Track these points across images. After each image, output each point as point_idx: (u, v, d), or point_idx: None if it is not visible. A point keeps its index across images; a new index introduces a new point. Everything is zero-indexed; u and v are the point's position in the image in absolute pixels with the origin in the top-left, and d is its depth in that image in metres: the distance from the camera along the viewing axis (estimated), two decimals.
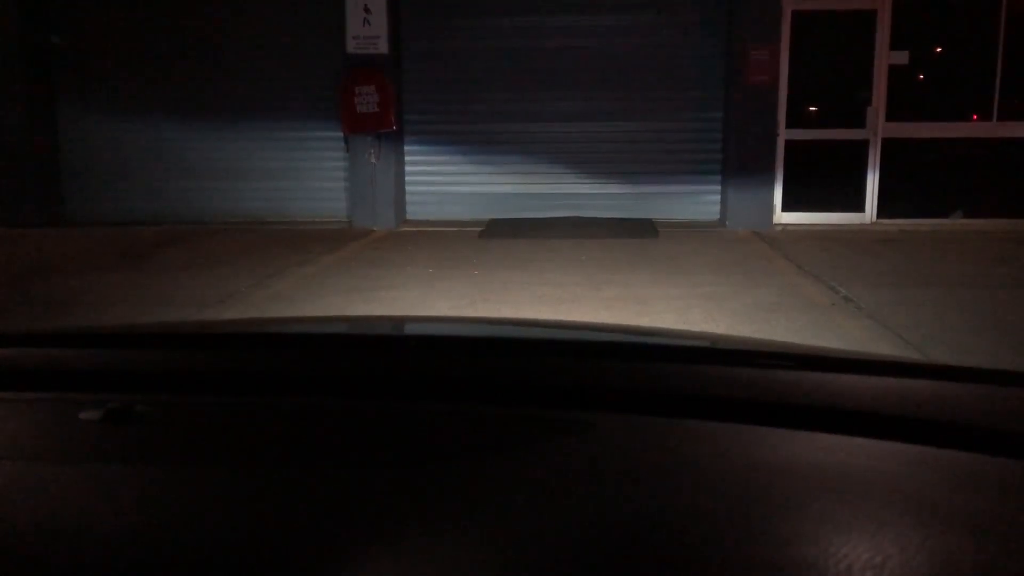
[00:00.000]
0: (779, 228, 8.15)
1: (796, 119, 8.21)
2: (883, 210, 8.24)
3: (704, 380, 0.89)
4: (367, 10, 8.11)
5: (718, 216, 8.55)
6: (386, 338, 1.28)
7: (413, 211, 8.86)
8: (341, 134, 8.49)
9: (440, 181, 8.83)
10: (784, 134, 8.19)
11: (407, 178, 8.85)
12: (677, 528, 0.57)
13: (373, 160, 8.43)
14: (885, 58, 8.07)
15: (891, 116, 8.14)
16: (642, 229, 8.02)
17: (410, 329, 1.58)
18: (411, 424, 0.80)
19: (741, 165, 8.16)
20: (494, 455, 0.71)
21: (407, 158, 8.81)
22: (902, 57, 8.06)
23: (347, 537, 0.56)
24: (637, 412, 0.80)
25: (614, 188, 8.73)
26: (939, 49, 8.26)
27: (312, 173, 8.85)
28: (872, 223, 8.24)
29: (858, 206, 8.30)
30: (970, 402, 0.80)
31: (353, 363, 0.99)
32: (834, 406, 0.79)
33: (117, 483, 0.66)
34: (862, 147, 8.20)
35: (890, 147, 8.17)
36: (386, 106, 8.22)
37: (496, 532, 0.57)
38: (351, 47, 8.22)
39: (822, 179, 8.34)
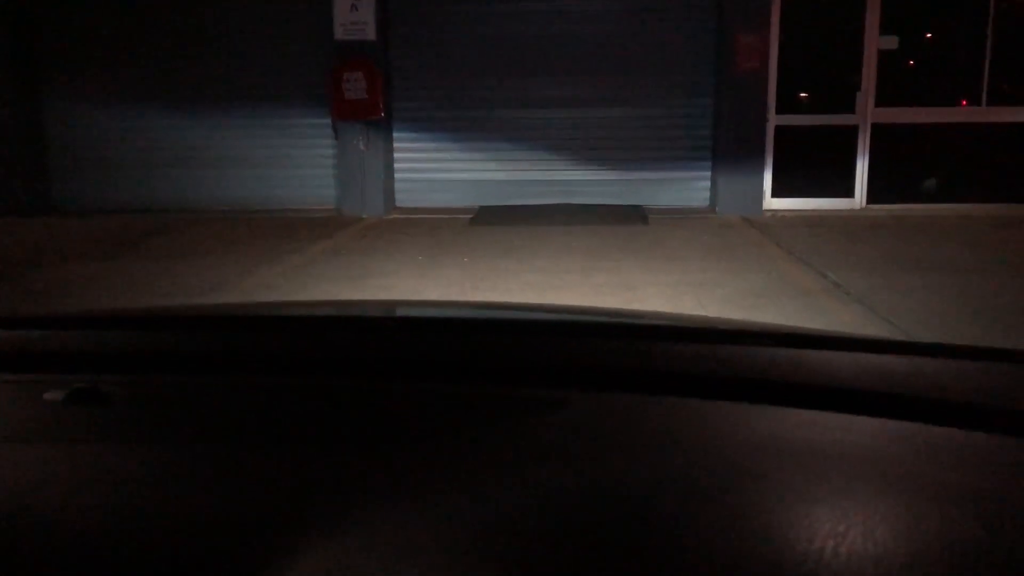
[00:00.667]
0: (769, 214, 8.15)
1: (786, 105, 8.20)
2: (873, 195, 8.26)
3: (679, 358, 0.89)
4: None
5: (708, 202, 8.55)
6: (359, 319, 1.28)
7: (402, 199, 8.83)
8: (330, 121, 8.44)
9: (429, 168, 8.79)
10: (774, 120, 8.19)
11: (396, 165, 8.81)
12: (647, 499, 0.57)
13: (362, 147, 8.39)
14: (875, 43, 8.06)
15: (881, 101, 8.14)
16: (632, 216, 8.01)
17: (384, 311, 1.58)
18: (383, 403, 0.79)
19: (731, 151, 8.15)
20: (466, 433, 0.71)
21: (396, 145, 8.77)
22: (892, 42, 8.05)
23: (316, 514, 0.56)
24: (612, 390, 0.79)
25: (604, 175, 8.71)
26: (929, 34, 8.26)
27: (301, 161, 8.80)
28: (862, 208, 8.25)
29: (848, 192, 8.31)
30: (946, 378, 0.80)
31: (324, 343, 0.99)
32: (811, 382, 0.79)
33: (81, 462, 0.66)
34: (852, 132, 8.20)
35: (880, 132, 8.17)
36: (374, 93, 8.17)
37: (465, 506, 0.57)
38: (339, 34, 8.17)
39: (812, 165, 8.35)
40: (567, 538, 0.52)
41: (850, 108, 8.16)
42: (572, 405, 0.76)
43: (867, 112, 8.14)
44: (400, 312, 1.53)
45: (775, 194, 8.33)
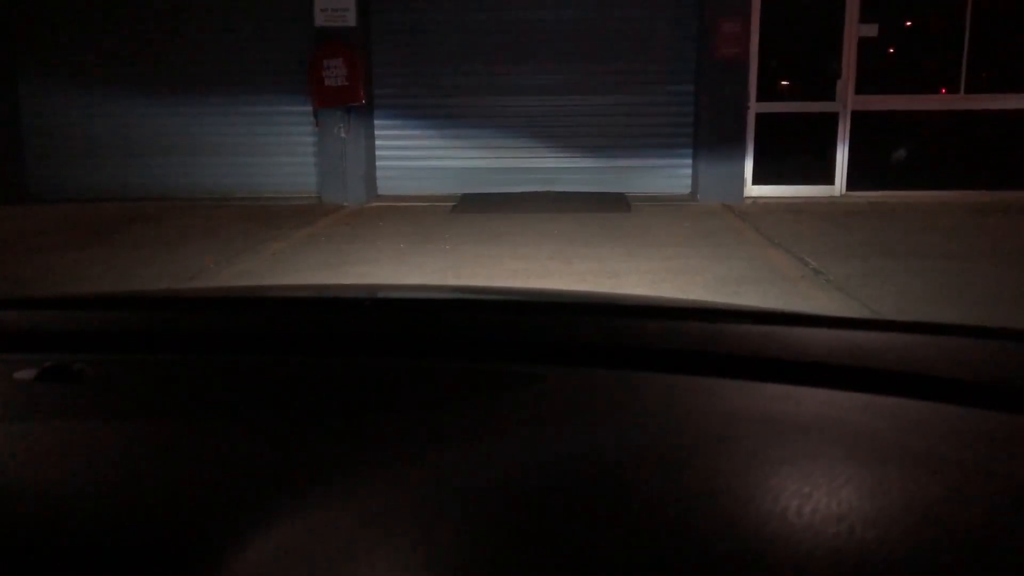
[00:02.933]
0: (750, 201, 8.19)
1: (767, 92, 8.23)
2: (852, 182, 8.31)
3: (653, 334, 0.89)
4: None
5: (690, 190, 8.57)
6: (334, 299, 1.28)
7: (384, 186, 8.79)
8: (310, 108, 8.38)
9: (411, 156, 8.76)
10: (755, 107, 8.21)
11: (378, 153, 8.77)
12: (618, 465, 0.58)
13: (343, 135, 8.34)
14: (855, 31, 8.09)
15: (860, 89, 8.18)
16: (615, 203, 8.02)
17: (359, 292, 1.58)
18: (355, 378, 0.80)
19: (712, 138, 8.17)
20: (439, 407, 0.71)
21: (377, 132, 8.72)
22: (872, 30, 8.08)
23: (287, 487, 0.56)
24: (587, 366, 0.80)
25: (587, 162, 8.71)
26: (908, 22, 8.29)
27: (281, 148, 8.73)
28: (842, 195, 8.30)
29: (828, 179, 8.35)
30: (916, 352, 0.81)
31: (297, 321, 0.99)
32: (783, 357, 0.80)
33: (52, 440, 0.66)
34: (832, 120, 8.24)
35: (859, 119, 8.22)
36: (355, 79, 8.12)
37: (438, 476, 0.57)
38: (319, 20, 8.10)
39: (792, 152, 8.39)
40: (539, 505, 0.53)
41: (830, 95, 8.19)
42: (547, 380, 0.76)
43: (847, 99, 8.18)
44: (375, 293, 1.53)
45: (756, 181, 8.36)
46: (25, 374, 0.76)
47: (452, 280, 4.98)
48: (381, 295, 1.43)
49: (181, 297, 1.26)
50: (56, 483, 0.58)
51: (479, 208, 7.81)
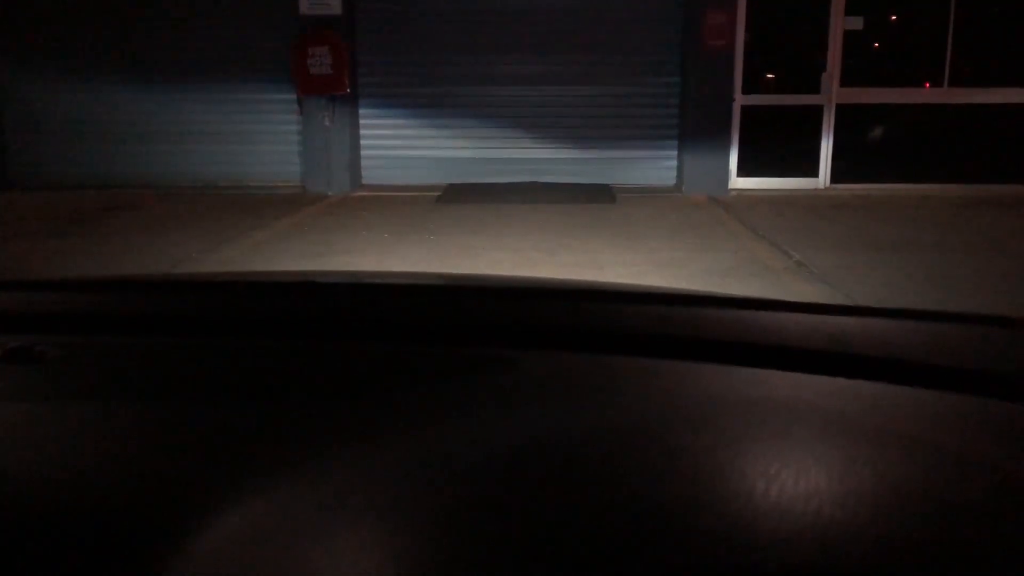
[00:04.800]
0: (735, 193, 8.20)
1: (752, 84, 8.24)
2: (837, 175, 8.34)
3: (629, 318, 0.89)
4: None
5: (675, 181, 8.58)
6: (310, 283, 1.27)
7: (369, 176, 8.75)
8: (294, 97, 8.32)
9: (396, 145, 8.71)
10: (740, 99, 8.22)
11: (362, 142, 8.72)
12: (591, 445, 0.58)
13: (327, 123, 8.29)
14: (840, 23, 8.11)
15: (845, 82, 8.21)
16: (600, 194, 8.01)
17: (337, 277, 1.58)
18: (324, 362, 0.79)
19: (698, 131, 8.17)
20: (414, 389, 0.71)
21: (362, 121, 8.67)
22: (857, 23, 8.11)
23: (253, 469, 0.55)
24: (562, 349, 0.79)
25: (572, 153, 8.69)
26: (893, 16, 8.32)
27: (265, 136, 8.67)
28: (826, 188, 8.34)
29: (812, 171, 8.38)
30: (892, 337, 0.81)
31: (270, 305, 0.98)
32: (759, 342, 0.79)
33: (12, 421, 0.65)
34: (817, 112, 8.26)
35: (844, 112, 8.25)
36: (340, 68, 8.06)
37: (414, 457, 0.57)
38: (304, 8, 8.05)
39: (777, 144, 8.40)
40: (509, 486, 0.53)
41: (815, 88, 8.21)
42: (522, 364, 0.76)
43: (832, 92, 8.20)
44: (346, 279, 1.52)
45: (741, 173, 8.38)
46: None
47: (437, 269, 4.96)
48: (351, 280, 1.42)
49: (147, 281, 1.24)
50: (16, 464, 0.57)
51: (464, 198, 7.78)
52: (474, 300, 1.01)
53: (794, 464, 0.53)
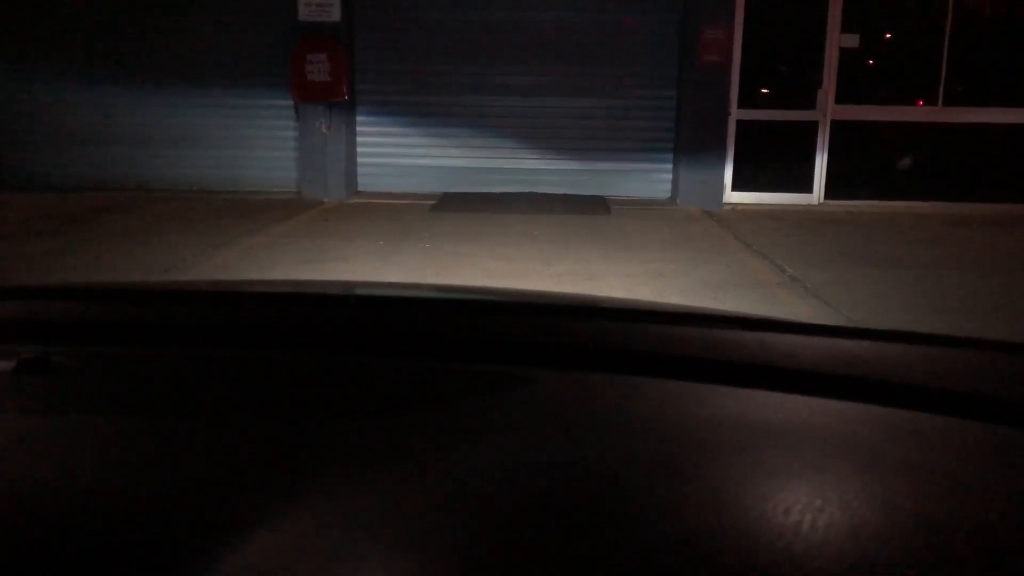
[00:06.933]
0: (729, 207, 8.23)
1: (748, 99, 8.27)
2: (831, 191, 8.37)
3: (645, 338, 0.89)
4: None
5: (669, 194, 8.60)
6: (323, 296, 1.26)
7: (364, 183, 8.75)
8: (292, 103, 8.33)
9: (392, 153, 8.72)
10: (736, 114, 8.25)
11: (359, 149, 8.72)
12: (613, 473, 0.57)
13: (324, 130, 8.29)
14: (836, 41, 8.16)
15: (841, 98, 8.25)
16: (594, 206, 8.03)
17: (346, 288, 1.57)
18: (343, 377, 0.78)
19: (693, 144, 8.20)
20: (430, 407, 0.70)
21: (359, 128, 8.68)
22: (853, 40, 8.16)
23: (273, 486, 0.55)
24: (578, 369, 0.79)
25: (567, 164, 8.71)
26: (889, 34, 8.38)
27: (261, 142, 8.66)
28: (820, 204, 8.36)
29: (806, 187, 8.41)
30: (907, 363, 0.81)
31: (285, 318, 0.97)
32: (776, 365, 0.79)
33: (30, 433, 0.64)
34: (812, 128, 8.30)
35: (839, 129, 8.29)
36: (338, 75, 8.08)
37: (429, 478, 0.56)
38: (303, 14, 8.06)
39: (772, 159, 8.43)
40: (531, 511, 0.52)
41: (811, 104, 8.25)
42: (538, 383, 0.75)
43: (827, 109, 8.25)
44: (364, 291, 1.51)
45: (735, 187, 8.40)
46: (4, 365, 0.75)
47: (432, 278, 4.96)
48: (371, 292, 1.41)
49: (164, 291, 1.23)
50: (32, 476, 0.57)
51: (459, 207, 7.79)
52: (490, 315, 1.01)
53: (836, 497, 0.52)
